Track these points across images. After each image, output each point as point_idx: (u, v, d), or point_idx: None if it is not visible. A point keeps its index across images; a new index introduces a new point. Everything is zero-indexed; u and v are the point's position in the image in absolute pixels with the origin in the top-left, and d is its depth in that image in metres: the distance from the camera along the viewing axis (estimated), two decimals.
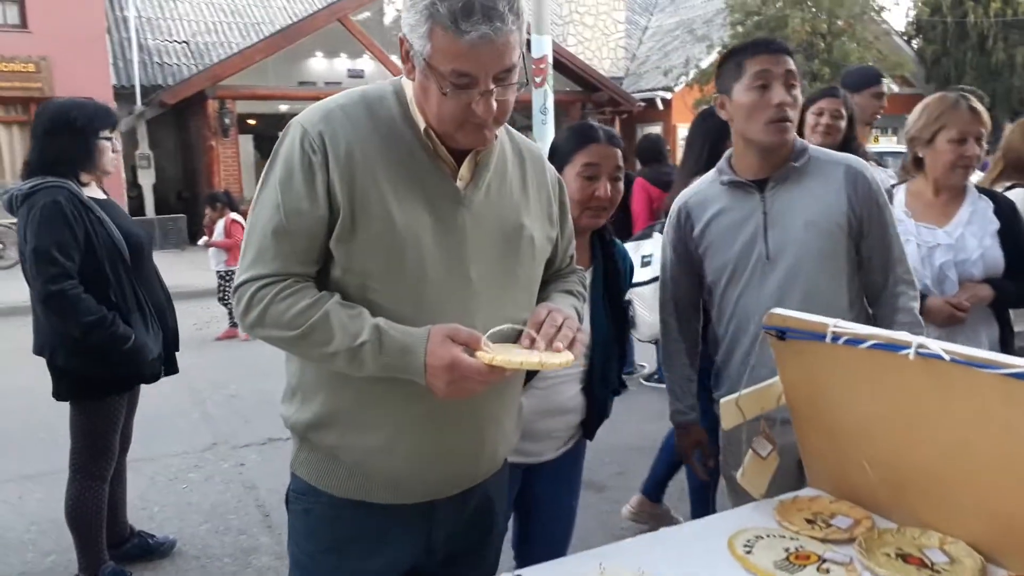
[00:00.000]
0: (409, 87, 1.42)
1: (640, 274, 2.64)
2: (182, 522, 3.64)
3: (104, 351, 2.68)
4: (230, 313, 7.41)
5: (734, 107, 1.98)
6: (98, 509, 2.90)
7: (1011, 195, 2.62)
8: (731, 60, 2.01)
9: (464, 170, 1.43)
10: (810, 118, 3.25)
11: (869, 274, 2.04)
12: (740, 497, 1.79)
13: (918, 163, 2.48)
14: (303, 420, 1.47)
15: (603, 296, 2.06)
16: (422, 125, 1.39)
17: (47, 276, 2.61)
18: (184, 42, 17.40)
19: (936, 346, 1.26)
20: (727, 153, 2.11)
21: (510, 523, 2.08)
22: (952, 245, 2.38)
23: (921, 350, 1.28)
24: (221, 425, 5.04)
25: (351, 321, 1.33)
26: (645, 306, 2.65)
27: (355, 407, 1.43)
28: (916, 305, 2.05)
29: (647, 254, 2.75)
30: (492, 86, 1.30)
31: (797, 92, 1.94)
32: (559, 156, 2.00)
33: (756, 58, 1.94)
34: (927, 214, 2.45)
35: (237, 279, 1.40)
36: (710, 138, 2.96)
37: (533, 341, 1.38)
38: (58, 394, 2.82)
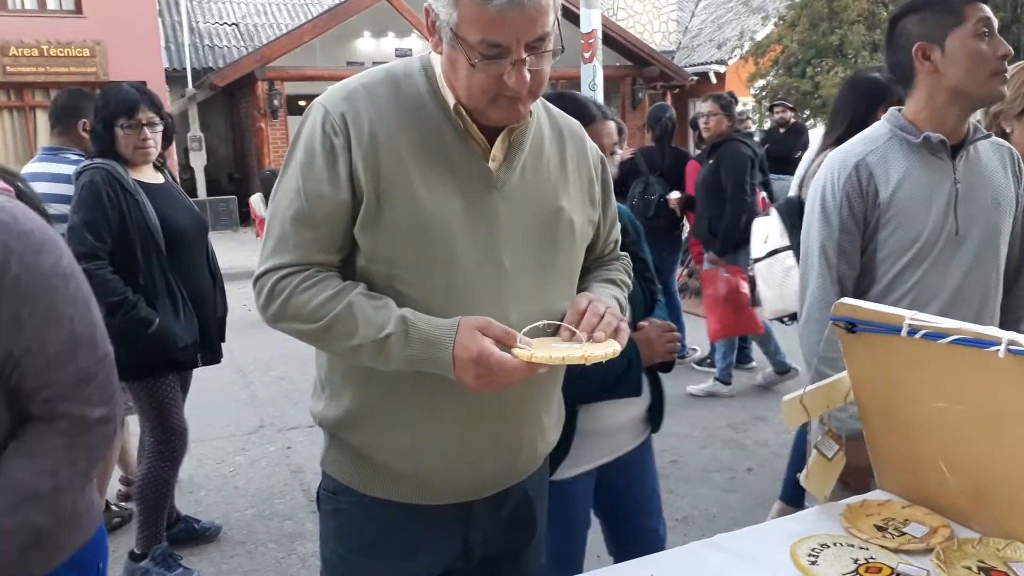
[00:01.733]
0: (438, 62, 1.32)
1: (757, 249, 2.58)
2: (228, 507, 3.64)
3: (129, 334, 2.66)
4: None
5: (949, 56, 1.76)
6: (162, 489, 2.94)
7: None
8: (939, 6, 1.79)
9: (496, 150, 1.33)
10: None
11: (1008, 262, 1.92)
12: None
13: (1008, 138, 2.27)
14: (332, 416, 1.41)
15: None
16: (451, 102, 1.29)
17: (75, 254, 2.61)
18: (234, 24, 17.58)
19: None
20: (894, 110, 1.89)
21: (595, 527, 2.03)
22: None
23: (1013, 347, 1.15)
24: (268, 407, 5.07)
25: (376, 312, 1.25)
26: (766, 282, 2.55)
27: (384, 404, 1.35)
28: None
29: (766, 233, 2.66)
30: (524, 55, 1.20)
31: None
32: None
33: (975, 5, 1.76)
34: None
35: (257, 269, 1.32)
36: (862, 104, 2.84)
37: (573, 334, 1.28)
38: None
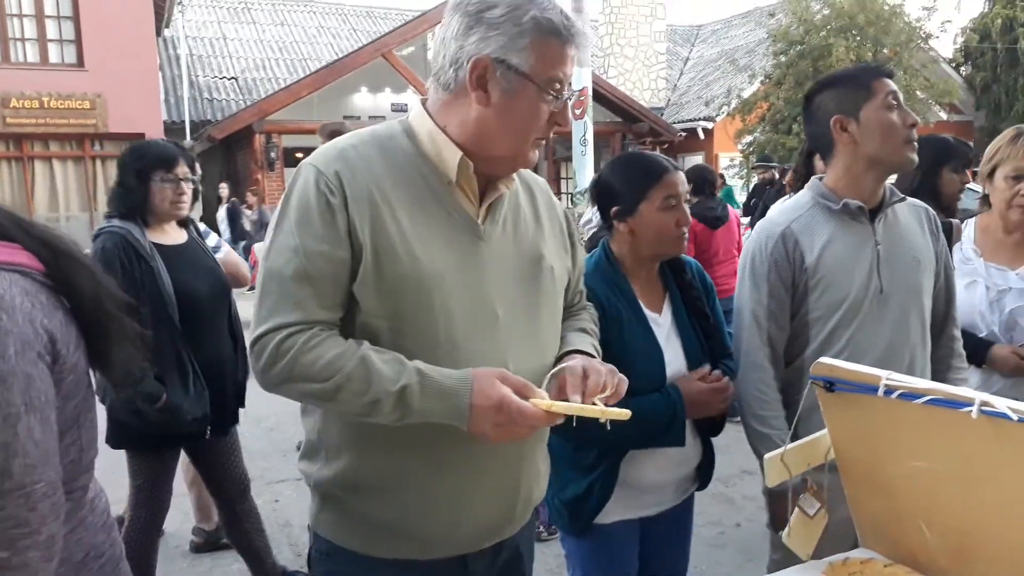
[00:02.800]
0: (425, 125, 1.38)
1: None
2: (214, 562, 3.60)
3: (133, 405, 2.63)
4: None
5: (864, 127, 1.87)
6: (145, 554, 2.86)
7: None
8: (850, 82, 1.91)
9: (481, 206, 1.40)
10: None
11: (932, 316, 1.99)
12: (785, 558, 1.68)
13: (987, 199, 2.38)
14: (328, 478, 1.40)
15: (690, 324, 1.97)
16: (456, 156, 1.35)
17: None
18: (233, 78, 17.87)
19: (1002, 404, 1.16)
20: (817, 178, 1.99)
21: None
22: None
23: (985, 408, 1.18)
24: (258, 460, 5.01)
25: (388, 366, 1.26)
26: None
27: (388, 463, 1.36)
28: (964, 352, 2.05)
29: None
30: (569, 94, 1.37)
31: None
32: (628, 195, 1.93)
33: (882, 80, 1.88)
34: (998, 253, 2.33)
35: (255, 331, 1.31)
36: (924, 165, 2.88)
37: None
38: (108, 439, 2.79)
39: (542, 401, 1.26)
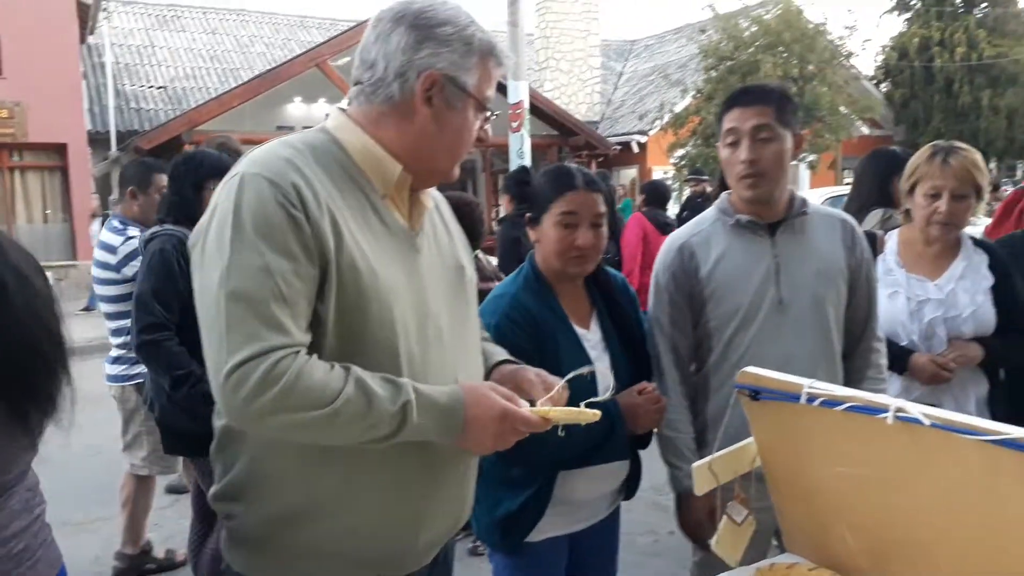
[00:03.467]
0: (357, 136, 1.36)
1: None
2: None
3: (194, 409, 2.56)
4: None
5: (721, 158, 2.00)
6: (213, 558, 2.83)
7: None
8: (721, 110, 2.00)
9: (409, 219, 1.41)
10: None
11: (850, 327, 2.04)
12: (711, 565, 1.70)
13: (909, 213, 2.45)
14: (264, 517, 1.32)
15: (618, 340, 1.98)
16: (396, 169, 1.34)
17: (142, 324, 2.62)
18: (162, 87, 17.43)
19: (915, 410, 1.20)
20: (725, 195, 2.06)
21: None
22: (943, 300, 2.32)
23: (900, 414, 1.22)
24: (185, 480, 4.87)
25: (383, 386, 1.22)
26: None
27: (342, 487, 1.30)
28: (885, 363, 2.10)
29: None
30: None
31: (773, 146, 1.91)
32: (537, 204, 1.94)
33: (728, 114, 1.96)
34: (919, 265, 2.40)
35: (230, 359, 1.16)
36: (879, 175, 3.10)
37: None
38: (163, 447, 2.82)
39: (539, 408, 1.31)
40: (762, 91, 1.98)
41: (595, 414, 1.35)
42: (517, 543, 1.90)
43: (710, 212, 2.09)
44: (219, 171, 2.72)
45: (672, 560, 3.60)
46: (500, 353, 1.57)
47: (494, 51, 1.38)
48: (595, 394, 1.89)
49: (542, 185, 1.96)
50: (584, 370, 1.42)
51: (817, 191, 9.80)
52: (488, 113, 1.41)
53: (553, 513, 1.89)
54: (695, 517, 1.94)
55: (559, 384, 1.37)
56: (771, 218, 1.99)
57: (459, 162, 1.44)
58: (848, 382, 2.05)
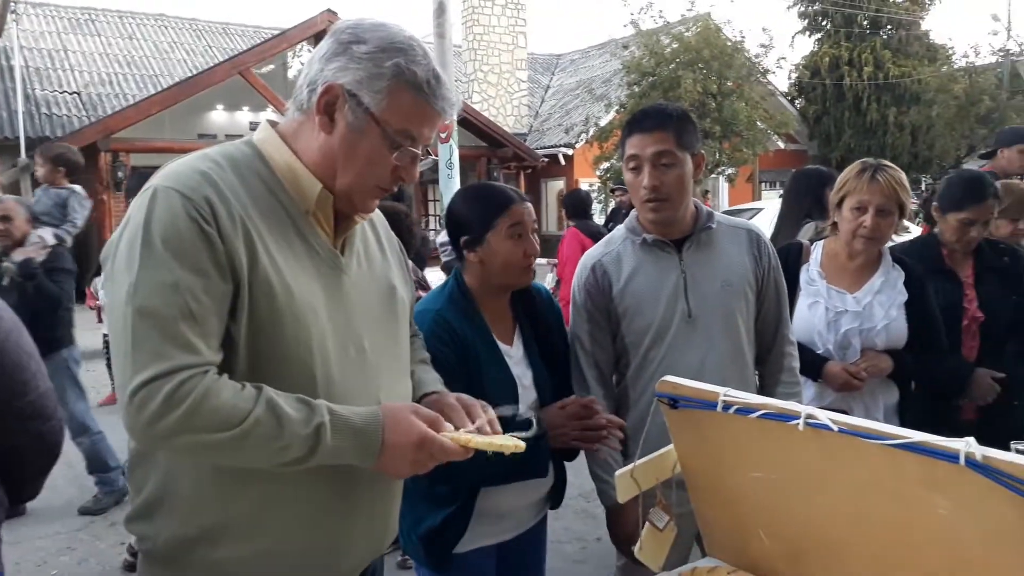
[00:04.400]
0: (280, 151, 1.34)
1: None
2: None
3: None
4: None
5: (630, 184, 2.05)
6: None
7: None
8: (623, 134, 2.05)
9: (336, 238, 1.39)
10: None
11: (760, 334, 2.10)
12: (635, 571, 1.74)
13: (835, 226, 2.53)
14: (178, 536, 1.27)
15: (540, 355, 2.01)
16: (316, 187, 1.32)
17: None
18: (75, 93, 16.75)
19: (824, 416, 1.25)
20: (634, 214, 2.11)
21: None
22: (859, 313, 2.41)
23: (810, 420, 1.27)
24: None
25: (295, 407, 1.18)
26: None
27: (259, 509, 1.27)
28: (797, 366, 2.16)
29: None
30: (420, 153, 1.33)
31: (674, 171, 1.96)
32: (476, 225, 1.92)
33: (630, 139, 2.00)
34: (840, 277, 2.49)
35: (134, 379, 1.13)
36: (811, 189, 3.24)
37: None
38: None
39: (459, 436, 1.27)
40: (661, 116, 1.99)
41: (518, 444, 1.30)
42: (442, 558, 1.90)
43: (620, 231, 2.14)
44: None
45: (599, 566, 3.64)
46: (430, 384, 1.53)
47: (415, 82, 1.28)
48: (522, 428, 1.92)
49: (477, 207, 1.95)
50: (507, 411, 1.40)
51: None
52: (407, 149, 1.32)
53: (479, 524, 1.89)
54: (627, 530, 1.97)
55: (483, 416, 1.33)
56: (677, 235, 2.04)
57: (371, 195, 1.35)
58: (763, 387, 2.13)
